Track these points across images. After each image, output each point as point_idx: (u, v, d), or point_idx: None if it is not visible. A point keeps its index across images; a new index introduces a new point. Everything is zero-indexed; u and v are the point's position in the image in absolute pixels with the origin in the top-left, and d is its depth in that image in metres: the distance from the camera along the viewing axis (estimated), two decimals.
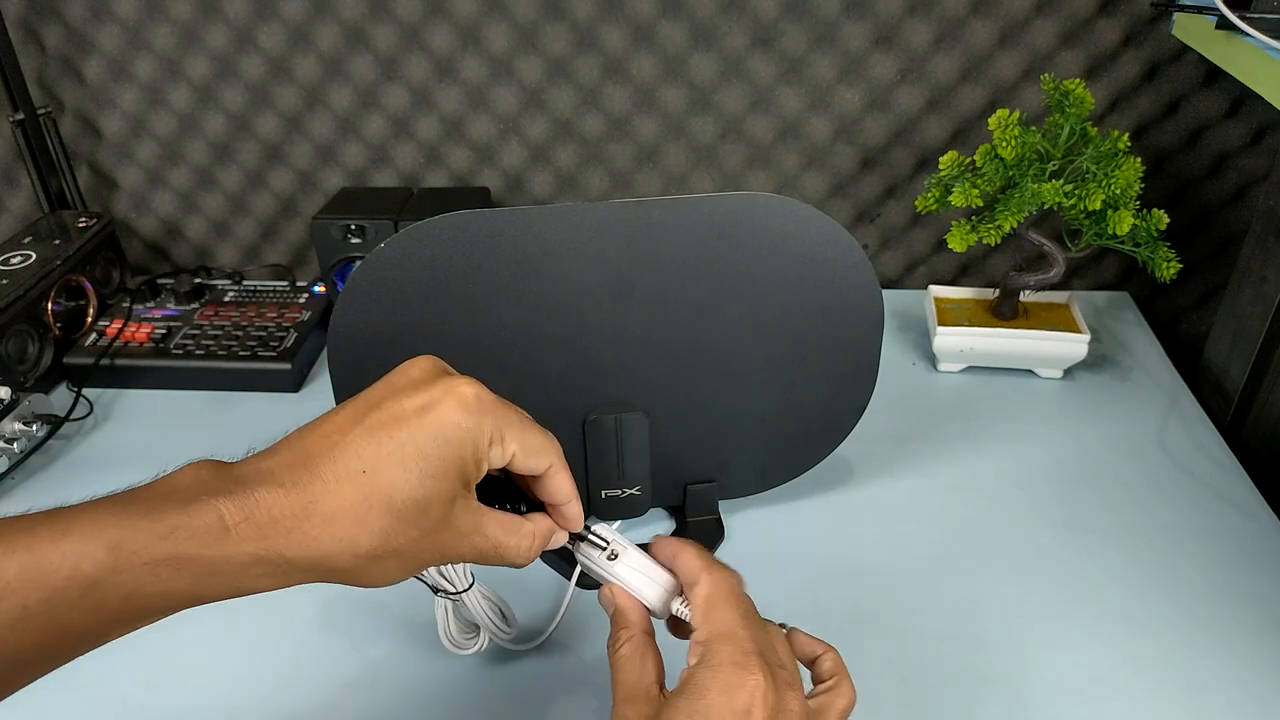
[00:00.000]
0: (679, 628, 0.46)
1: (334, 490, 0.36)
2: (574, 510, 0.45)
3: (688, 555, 0.45)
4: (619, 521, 0.70)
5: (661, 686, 0.42)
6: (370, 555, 0.37)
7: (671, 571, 0.46)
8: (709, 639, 0.41)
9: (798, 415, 0.68)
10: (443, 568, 0.55)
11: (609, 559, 0.46)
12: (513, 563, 0.43)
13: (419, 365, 0.41)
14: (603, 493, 0.68)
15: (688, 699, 0.39)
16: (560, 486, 0.44)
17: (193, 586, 0.35)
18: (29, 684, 0.34)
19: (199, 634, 0.62)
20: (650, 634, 0.45)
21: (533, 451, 0.41)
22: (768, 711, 0.38)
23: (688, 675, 0.40)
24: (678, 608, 0.45)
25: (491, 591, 0.58)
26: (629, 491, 0.68)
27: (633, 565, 0.46)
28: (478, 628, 0.58)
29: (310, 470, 0.37)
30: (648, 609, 0.46)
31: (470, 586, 0.55)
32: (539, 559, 0.66)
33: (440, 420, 0.38)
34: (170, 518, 0.34)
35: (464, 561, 0.40)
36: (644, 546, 0.48)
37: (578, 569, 0.48)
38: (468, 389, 0.39)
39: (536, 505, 0.45)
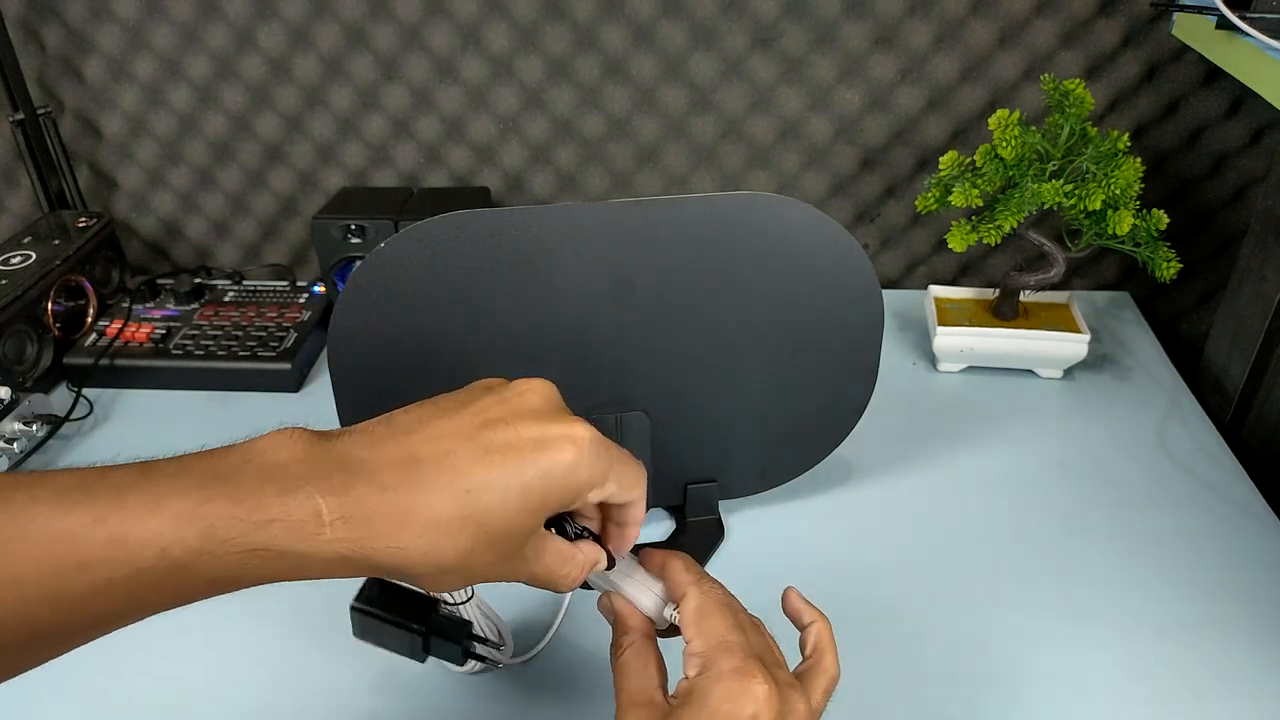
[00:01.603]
0: (670, 631, 0.46)
1: (434, 503, 0.36)
2: (635, 532, 0.45)
3: (675, 568, 0.45)
4: None
5: (665, 691, 0.42)
6: (447, 569, 0.37)
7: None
8: (705, 650, 0.41)
9: (798, 415, 0.68)
10: None
11: (606, 567, 0.46)
12: (558, 588, 0.43)
13: (539, 392, 0.40)
14: None
15: (692, 708, 0.39)
16: (638, 514, 0.44)
17: (275, 573, 0.34)
18: (90, 641, 0.34)
19: (189, 638, 0.62)
20: (652, 638, 0.45)
21: (626, 488, 0.41)
22: (773, 716, 0.38)
23: (689, 686, 0.40)
24: (670, 614, 0.45)
25: (488, 607, 0.58)
26: None
27: (628, 573, 0.46)
28: None
29: (414, 475, 0.36)
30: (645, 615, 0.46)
31: (470, 599, 0.56)
32: None
33: (552, 461, 0.38)
34: (268, 507, 0.33)
35: (516, 581, 0.41)
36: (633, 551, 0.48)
37: None
38: (584, 433, 0.39)
39: (584, 529, 0.45)
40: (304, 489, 0.34)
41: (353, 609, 0.54)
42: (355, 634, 0.55)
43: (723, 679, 0.39)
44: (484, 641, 0.55)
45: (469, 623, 0.55)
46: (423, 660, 0.55)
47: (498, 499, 0.36)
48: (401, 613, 0.54)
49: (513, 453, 0.37)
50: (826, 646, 0.45)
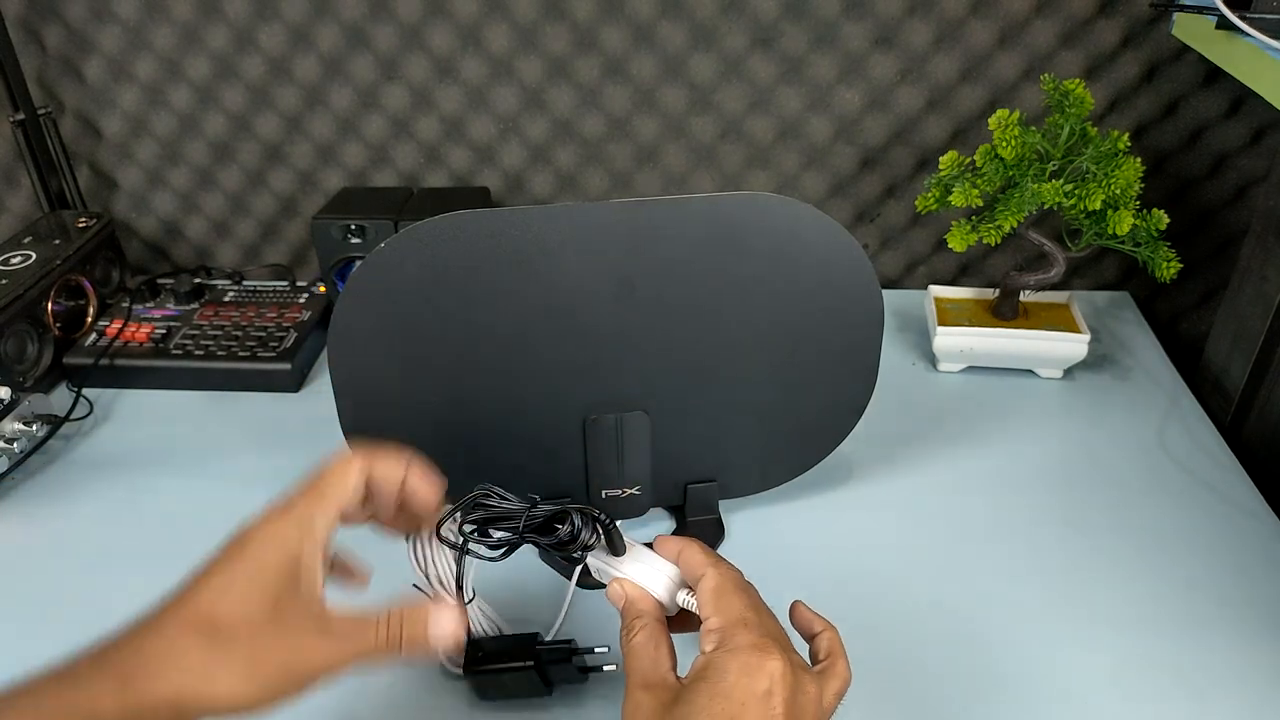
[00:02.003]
0: (678, 624, 0.47)
1: (158, 618, 0.38)
2: (433, 499, 0.46)
3: (693, 550, 0.46)
4: (620, 521, 0.70)
5: (675, 673, 0.43)
6: (205, 671, 0.37)
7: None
8: (723, 626, 0.42)
9: (798, 415, 0.68)
10: (443, 577, 0.55)
11: (617, 556, 0.47)
12: (415, 650, 0.42)
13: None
14: (603, 492, 0.68)
15: (708, 682, 0.39)
16: (417, 488, 0.45)
17: None
18: None
19: None
20: (663, 622, 0.45)
21: (348, 481, 0.42)
22: (787, 692, 0.39)
23: (704, 661, 0.41)
24: (684, 599, 0.46)
25: (493, 611, 0.58)
26: (629, 491, 0.68)
27: (639, 559, 0.47)
28: None
29: (149, 613, 0.39)
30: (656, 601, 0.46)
31: (471, 600, 0.56)
32: (540, 559, 0.67)
33: (248, 540, 0.40)
34: (45, 683, 0.37)
35: (336, 668, 0.40)
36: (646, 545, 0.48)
37: (578, 569, 0.48)
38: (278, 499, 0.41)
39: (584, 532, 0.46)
40: (65, 662, 0.38)
41: (466, 674, 0.55)
42: (480, 698, 0.57)
43: (740, 653, 0.40)
44: (589, 651, 0.56)
45: (570, 640, 0.55)
46: (549, 694, 0.56)
47: (204, 593, 0.38)
48: (507, 658, 0.55)
49: (224, 560, 0.40)
50: (839, 652, 0.45)
